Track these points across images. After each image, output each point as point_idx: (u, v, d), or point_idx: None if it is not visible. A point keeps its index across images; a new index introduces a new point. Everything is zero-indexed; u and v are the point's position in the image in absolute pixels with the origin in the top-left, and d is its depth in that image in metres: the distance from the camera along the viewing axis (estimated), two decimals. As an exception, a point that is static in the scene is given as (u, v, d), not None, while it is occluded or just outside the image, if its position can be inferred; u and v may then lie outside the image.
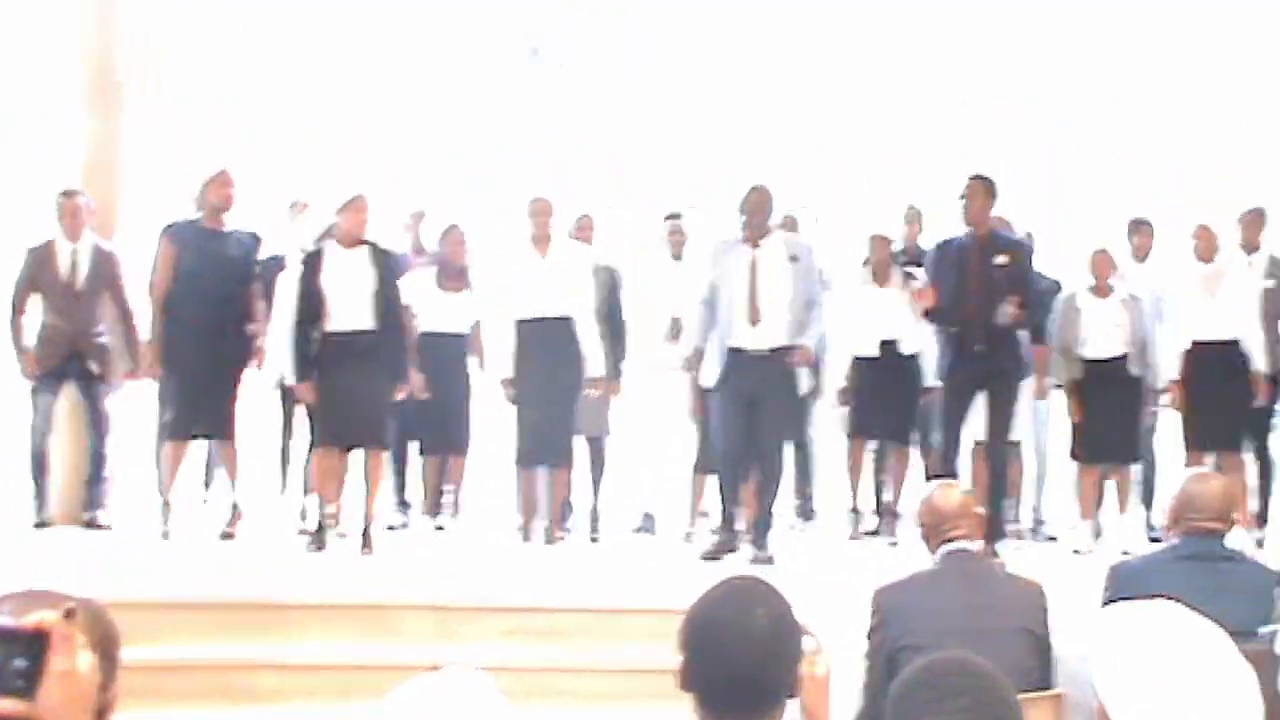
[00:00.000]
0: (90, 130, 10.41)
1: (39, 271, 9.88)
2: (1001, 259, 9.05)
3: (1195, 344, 9.69)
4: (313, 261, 9.17)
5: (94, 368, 9.91)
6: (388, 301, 9.12)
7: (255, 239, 9.76)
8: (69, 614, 2.06)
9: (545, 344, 9.48)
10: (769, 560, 8.80)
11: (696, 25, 14.25)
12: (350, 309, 9.06)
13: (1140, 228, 10.75)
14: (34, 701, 2.01)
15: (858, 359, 10.12)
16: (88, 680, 2.06)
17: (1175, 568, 5.13)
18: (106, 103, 10.51)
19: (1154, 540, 9.56)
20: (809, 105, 14.00)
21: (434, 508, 10.62)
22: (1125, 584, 5.18)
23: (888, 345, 10.05)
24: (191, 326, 9.53)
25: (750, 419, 8.93)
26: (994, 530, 8.87)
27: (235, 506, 9.70)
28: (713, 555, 8.96)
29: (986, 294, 8.98)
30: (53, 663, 2.03)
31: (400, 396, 9.35)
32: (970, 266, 9.00)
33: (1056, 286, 10.24)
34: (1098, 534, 10.10)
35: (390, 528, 10.25)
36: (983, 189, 9.11)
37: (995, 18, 13.66)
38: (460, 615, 7.71)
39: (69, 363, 9.90)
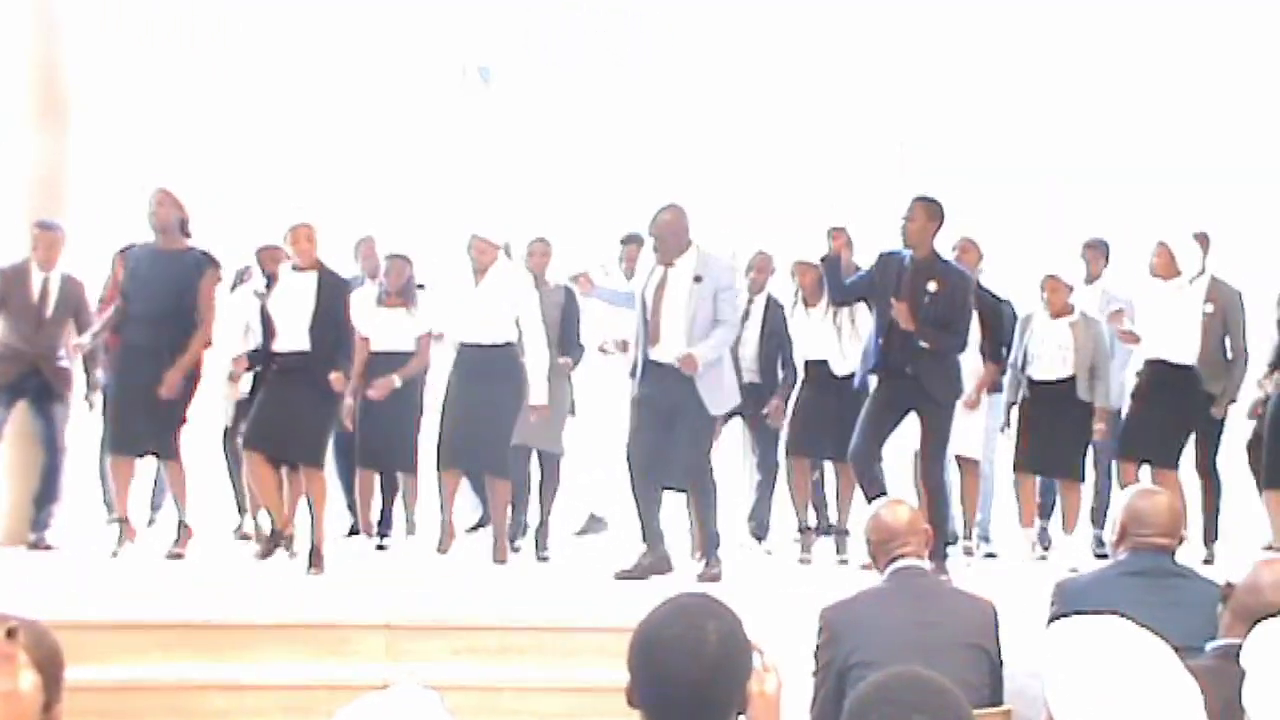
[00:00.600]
0: (37, 146, 10.34)
1: (9, 292, 9.86)
2: (933, 285, 9.03)
3: (1148, 362, 9.73)
4: (269, 285, 9.38)
5: (54, 388, 9.89)
6: (324, 325, 9.18)
7: (204, 259, 9.63)
8: (10, 633, 2.04)
9: (479, 367, 9.49)
10: (716, 577, 8.80)
11: (650, 42, 14.27)
12: (290, 331, 9.19)
13: (1092, 250, 10.77)
14: None
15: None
16: (30, 700, 2.04)
17: (1123, 583, 5.14)
18: (54, 119, 10.44)
19: (1100, 557, 9.62)
20: (764, 121, 14.01)
21: (368, 525, 10.56)
22: (1072, 600, 5.19)
23: (814, 365, 10.05)
24: (132, 347, 9.49)
25: (668, 431, 8.97)
26: (938, 548, 8.89)
27: (183, 526, 9.62)
28: (634, 575, 8.92)
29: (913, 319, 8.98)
30: None
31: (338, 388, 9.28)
32: (902, 290, 8.99)
33: (1010, 309, 10.24)
34: (1046, 545, 10.15)
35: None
36: (925, 211, 9.07)
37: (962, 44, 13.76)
38: (410, 634, 7.70)
39: (26, 379, 9.87)
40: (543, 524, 10.23)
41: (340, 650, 7.60)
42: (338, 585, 8.77)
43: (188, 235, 9.55)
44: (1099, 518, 10.26)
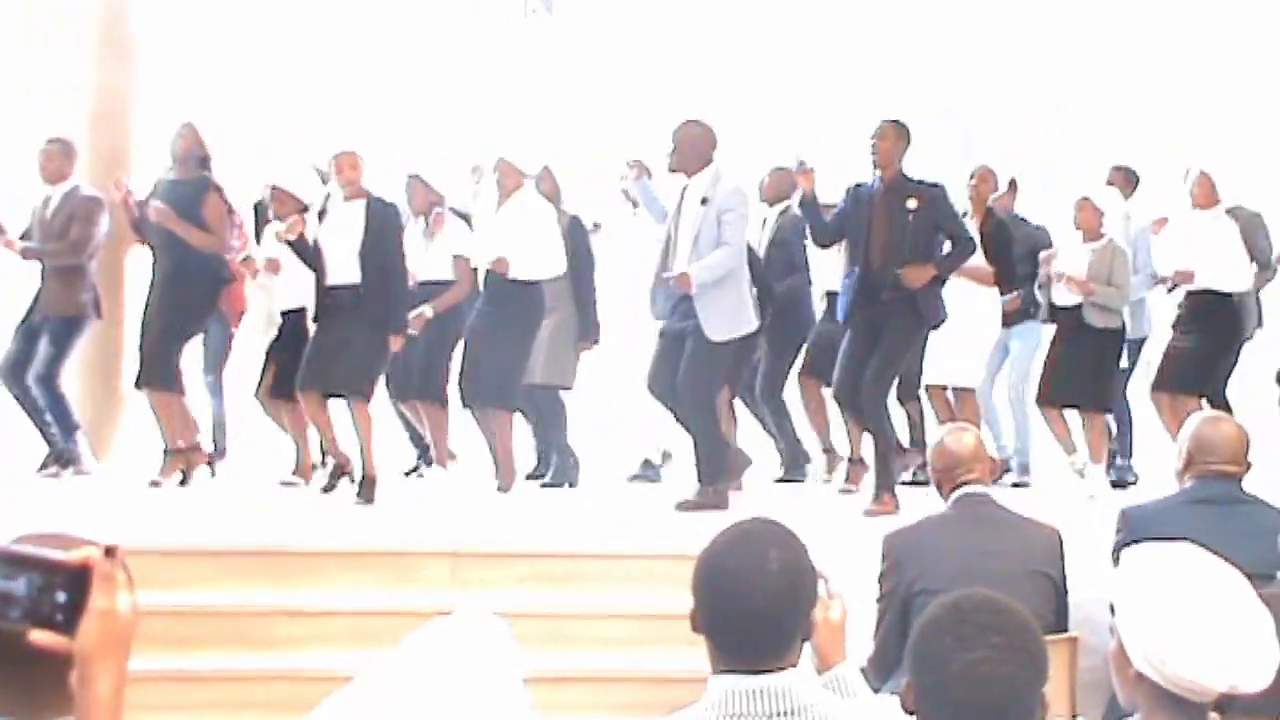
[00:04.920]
0: (100, 82, 10.33)
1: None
2: (912, 203, 8.90)
3: (1191, 293, 9.58)
4: (320, 215, 9.20)
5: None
6: (375, 255, 9.06)
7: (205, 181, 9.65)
8: (110, 552, 2.06)
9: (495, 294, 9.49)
10: (715, 505, 8.68)
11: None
12: (339, 263, 9.07)
13: (1119, 174, 10.62)
14: (72, 637, 2.02)
15: None
16: (126, 620, 2.06)
17: (1189, 511, 5.13)
18: (116, 57, 10.42)
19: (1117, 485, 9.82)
20: (817, 58, 13.93)
21: (444, 457, 10.51)
22: (1138, 527, 5.19)
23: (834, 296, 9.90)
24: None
25: (677, 353, 8.91)
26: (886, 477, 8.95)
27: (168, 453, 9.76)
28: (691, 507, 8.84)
29: (893, 240, 8.88)
30: (94, 600, 2.03)
31: (395, 348, 9.27)
32: (878, 213, 8.90)
33: (1045, 234, 10.14)
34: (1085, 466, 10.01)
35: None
36: (895, 130, 8.95)
37: None
38: (476, 561, 7.72)
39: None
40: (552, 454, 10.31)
41: (406, 577, 7.63)
42: (404, 513, 8.82)
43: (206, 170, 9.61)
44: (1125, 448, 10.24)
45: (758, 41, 14.03)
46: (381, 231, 9.11)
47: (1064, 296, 9.63)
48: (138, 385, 9.70)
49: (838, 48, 13.96)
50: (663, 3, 14.26)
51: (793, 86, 13.81)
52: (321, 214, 9.24)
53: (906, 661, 2.74)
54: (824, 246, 9.42)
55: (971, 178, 9.75)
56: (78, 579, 2.03)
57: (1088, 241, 9.59)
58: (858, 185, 9.06)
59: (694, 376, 8.88)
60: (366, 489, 9.10)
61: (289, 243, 9.16)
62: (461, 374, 9.65)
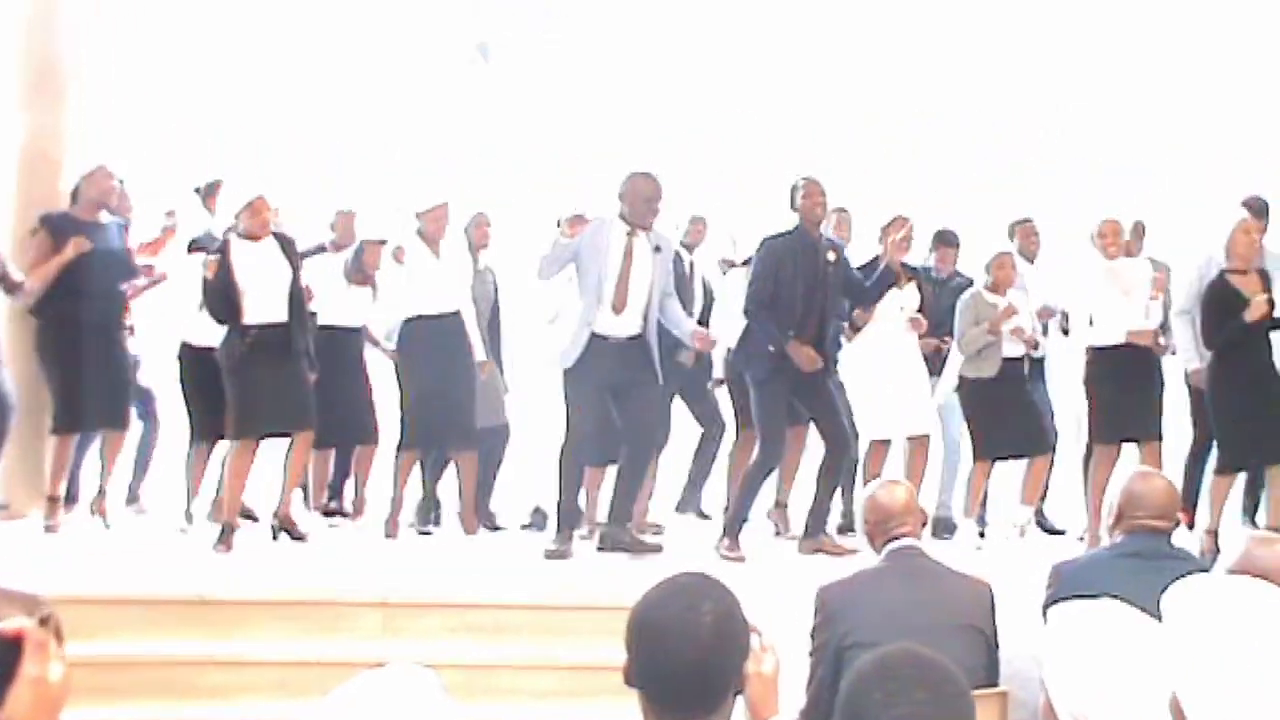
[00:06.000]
0: (31, 124, 10.25)
1: None
2: (831, 255, 9.10)
3: (1114, 345, 9.62)
4: (222, 257, 9.03)
5: None
6: (297, 292, 9.11)
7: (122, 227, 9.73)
8: (44, 621, 2.04)
9: (438, 339, 9.53)
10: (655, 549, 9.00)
11: (650, 21, 14.22)
12: (265, 303, 9.00)
13: (1023, 228, 10.70)
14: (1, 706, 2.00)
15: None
16: (58, 690, 2.04)
17: (1119, 565, 5.14)
18: (48, 98, 10.35)
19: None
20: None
21: (326, 506, 10.49)
22: (1068, 582, 5.20)
23: None
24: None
25: (615, 406, 8.94)
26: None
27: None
28: (557, 554, 8.93)
29: (828, 294, 9.10)
30: (26, 668, 2.01)
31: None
32: (821, 271, 9.06)
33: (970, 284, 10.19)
34: (982, 530, 10.08)
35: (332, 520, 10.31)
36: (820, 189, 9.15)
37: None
38: (406, 611, 7.69)
39: None
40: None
41: (336, 627, 7.60)
42: (333, 562, 8.76)
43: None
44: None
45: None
46: (297, 268, 9.17)
47: (1011, 348, 9.72)
48: (116, 425, 9.76)
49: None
50: (603, 51, 14.29)
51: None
52: (219, 253, 9.05)
53: (835, 717, 2.74)
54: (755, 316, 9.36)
55: (889, 224, 9.72)
56: (8, 650, 2.01)
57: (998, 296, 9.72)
58: (774, 240, 9.12)
59: (664, 422, 9.23)
60: (290, 523, 9.28)
61: (206, 281, 9.07)
62: (423, 420, 9.64)
